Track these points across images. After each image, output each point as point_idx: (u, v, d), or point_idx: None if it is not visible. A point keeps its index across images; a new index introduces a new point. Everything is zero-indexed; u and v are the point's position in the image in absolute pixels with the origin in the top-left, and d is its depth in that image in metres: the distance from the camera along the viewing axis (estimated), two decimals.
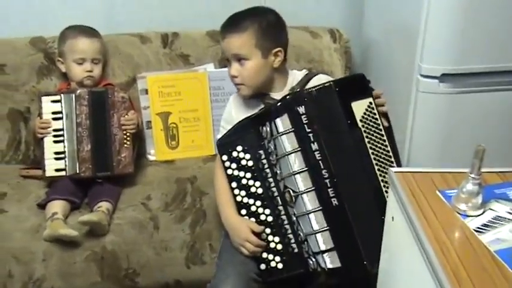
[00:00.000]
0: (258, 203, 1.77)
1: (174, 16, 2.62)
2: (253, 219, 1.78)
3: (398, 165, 1.73)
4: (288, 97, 1.72)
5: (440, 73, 2.04)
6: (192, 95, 2.47)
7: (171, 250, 2.06)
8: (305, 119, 1.65)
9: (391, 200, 1.43)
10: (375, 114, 1.69)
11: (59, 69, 2.36)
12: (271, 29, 1.86)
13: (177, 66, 2.50)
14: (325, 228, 1.67)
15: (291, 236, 1.73)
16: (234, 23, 1.86)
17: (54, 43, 2.42)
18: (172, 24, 2.59)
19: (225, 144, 1.81)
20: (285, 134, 1.69)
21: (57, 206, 2.08)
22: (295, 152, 1.68)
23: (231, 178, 1.80)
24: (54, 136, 2.21)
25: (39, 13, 2.54)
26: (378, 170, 1.67)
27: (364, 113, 1.67)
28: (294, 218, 1.72)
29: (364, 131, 1.66)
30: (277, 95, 1.88)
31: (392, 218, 1.41)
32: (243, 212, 1.79)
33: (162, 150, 2.47)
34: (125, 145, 2.23)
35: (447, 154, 2.07)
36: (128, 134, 2.24)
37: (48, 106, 2.22)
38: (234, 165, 1.79)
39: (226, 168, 1.80)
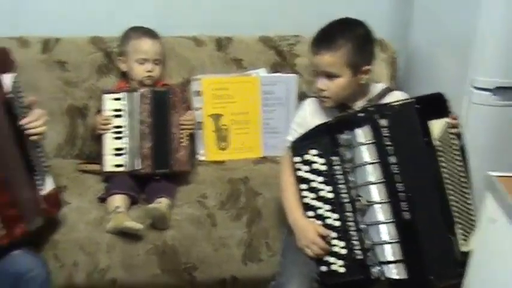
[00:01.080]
0: (327, 207, 1.83)
1: (226, 21, 2.70)
2: (319, 222, 1.84)
3: (471, 185, 1.79)
4: (370, 109, 1.77)
5: (495, 86, 2.11)
6: (244, 98, 2.55)
7: (229, 247, 2.13)
8: (386, 132, 1.71)
9: (490, 204, 1.50)
10: (450, 133, 1.74)
11: (119, 68, 2.44)
12: (363, 46, 1.89)
13: (230, 69, 2.58)
14: (396, 240, 1.73)
15: (356, 242, 1.79)
16: (328, 39, 1.87)
17: (113, 43, 2.50)
18: (225, 28, 2.66)
19: (299, 147, 1.87)
20: (365, 144, 1.75)
21: (119, 200, 2.15)
22: (374, 163, 1.74)
23: (301, 180, 1.87)
24: (115, 133, 2.28)
25: (98, 14, 2.62)
26: (450, 188, 1.72)
27: (441, 132, 1.72)
28: (362, 226, 1.78)
29: (439, 150, 1.72)
30: (356, 105, 1.94)
31: (493, 220, 1.47)
32: (310, 213, 1.86)
33: (212, 150, 2.55)
34: (183, 144, 2.30)
35: (499, 165, 2.14)
36: (185, 133, 2.31)
37: (109, 103, 2.29)
38: (306, 168, 1.85)
39: (296, 170, 1.87)
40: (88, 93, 2.47)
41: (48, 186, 1.94)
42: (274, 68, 2.59)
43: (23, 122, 1.80)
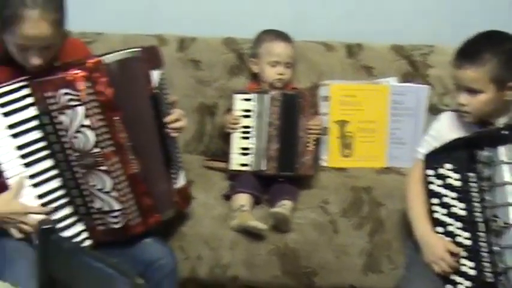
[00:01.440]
0: (458, 224, 1.77)
1: (358, 28, 2.68)
2: (448, 239, 1.79)
3: None
4: None
5: None
6: (372, 106, 2.51)
7: (350, 255, 2.11)
8: None
9: None
10: None
11: (250, 69, 2.48)
12: (510, 62, 1.80)
13: (360, 76, 2.57)
14: None
15: (487, 264, 1.72)
16: (472, 53, 1.80)
17: (246, 44, 2.55)
18: (356, 35, 2.65)
19: (433, 160, 1.82)
20: (507, 163, 1.69)
21: (244, 199, 2.19)
22: None
23: (432, 194, 1.82)
24: (243, 132, 2.32)
25: (233, 16, 2.68)
26: None
27: None
28: (496, 248, 1.71)
29: None
30: (498, 121, 1.86)
31: None
32: (439, 229, 1.81)
33: (335, 157, 2.53)
34: (308, 148, 2.31)
35: None
36: (312, 137, 2.31)
37: (239, 103, 2.34)
38: (439, 182, 1.80)
39: (428, 183, 1.82)
40: (218, 93, 2.54)
41: (181, 180, 2.01)
42: (405, 78, 2.54)
43: (167, 119, 1.89)
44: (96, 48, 2.47)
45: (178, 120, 1.95)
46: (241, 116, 2.32)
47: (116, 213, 1.79)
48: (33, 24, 1.61)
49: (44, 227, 1.32)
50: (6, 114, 1.70)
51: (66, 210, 1.79)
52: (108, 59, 1.76)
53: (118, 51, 1.80)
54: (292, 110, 2.30)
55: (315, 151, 2.34)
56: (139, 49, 1.86)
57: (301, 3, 2.70)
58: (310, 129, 2.31)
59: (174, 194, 1.95)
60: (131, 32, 2.56)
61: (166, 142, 1.91)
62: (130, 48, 1.83)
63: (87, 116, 1.71)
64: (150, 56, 1.90)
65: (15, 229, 1.70)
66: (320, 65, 2.56)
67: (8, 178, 1.71)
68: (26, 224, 1.69)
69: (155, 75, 1.87)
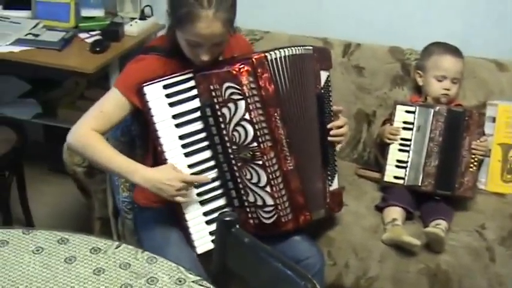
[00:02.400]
0: None
1: None
2: None
3: None
4: None
5: None
6: None
7: (506, 286, 2.00)
8: None
9: None
10: None
11: (415, 81, 2.42)
12: None
13: None
14: None
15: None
16: None
17: (411, 55, 2.49)
18: None
19: None
20: None
21: (397, 213, 2.14)
22: None
23: None
24: (401, 145, 2.27)
25: (402, 25, 2.63)
26: None
27: None
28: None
29: None
30: None
31: None
32: None
33: (495, 181, 2.41)
34: (470, 169, 2.22)
35: None
36: (475, 158, 2.22)
37: (401, 115, 2.28)
38: None
39: None
40: (378, 101, 2.50)
41: (335, 183, 2.00)
42: None
43: (331, 125, 1.91)
44: (262, 45, 2.54)
45: (341, 127, 1.95)
46: (401, 127, 2.27)
47: (268, 208, 1.81)
48: (208, 24, 1.65)
49: (226, 219, 1.35)
50: (171, 105, 1.76)
51: (221, 202, 1.83)
52: (273, 55, 1.78)
53: (284, 47, 1.81)
54: (457, 128, 2.22)
55: (476, 173, 2.24)
56: (311, 47, 1.88)
57: (473, 17, 2.58)
58: (475, 149, 2.22)
59: (327, 195, 1.94)
60: (297, 33, 2.59)
61: (325, 142, 1.91)
62: (299, 46, 1.84)
63: (248, 110, 1.74)
64: (322, 57, 1.91)
65: (174, 198, 1.74)
66: (489, 83, 2.44)
67: None
68: (180, 191, 1.73)
69: (323, 76, 1.88)
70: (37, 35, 2.64)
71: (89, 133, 1.77)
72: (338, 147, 2.03)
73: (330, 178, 1.97)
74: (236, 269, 1.31)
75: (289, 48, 1.82)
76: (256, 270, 1.24)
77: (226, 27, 1.69)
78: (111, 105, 1.80)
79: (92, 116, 1.81)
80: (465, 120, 2.22)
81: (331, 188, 1.98)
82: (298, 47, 1.85)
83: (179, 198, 1.74)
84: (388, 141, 2.28)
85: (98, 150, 1.77)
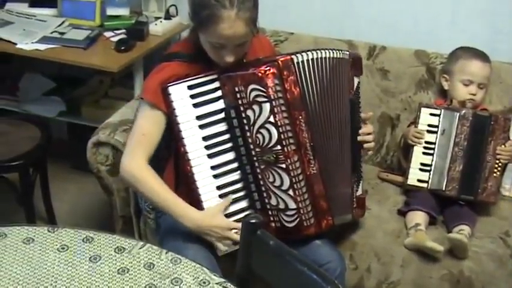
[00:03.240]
0: None
1: None
2: None
3: None
4: None
5: None
6: None
7: None
8: None
9: None
10: None
11: (440, 85, 2.40)
12: None
13: None
14: None
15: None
16: None
17: (437, 59, 2.47)
18: None
19: None
20: None
21: (420, 217, 2.12)
22: None
23: None
24: (425, 148, 2.25)
25: (427, 28, 2.60)
26: None
27: None
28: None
29: None
30: None
31: None
32: None
33: None
34: (494, 174, 2.20)
35: None
36: (500, 163, 2.20)
37: (426, 118, 2.26)
38: None
39: None
40: (403, 105, 2.48)
41: (359, 189, 1.99)
42: None
43: (362, 131, 1.91)
44: (286, 47, 2.54)
45: (370, 134, 1.94)
46: (425, 130, 2.25)
47: (290, 212, 1.80)
48: (230, 24, 1.64)
49: (251, 221, 1.34)
50: (196, 105, 1.76)
51: (242, 204, 1.83)
52: (300, 57, 1.76)
53: (311, 50, 1.79)
54: (483, 132, 2.20)
55: (499, 178, 2.22)
56: (348, 52, 1.87)
57: (499, 22, 2.55)
58: (499, 154, 2.19)
59: (353, 200, 1.93)
60: (322, 34, 2.58)
61: (354, 148, 1.90)
62: (335, 49, 1.84)
63: (273, 113, 1.72)
64: (355, 63, 1.91)
65: (218, 242, 1.77)
66: None
67: (192, 167, 1.77)
68: (227, 239, 1.76)
69: (355, 81, 1.87)
70: (63, 33, 2.66)
71: (141, 167, 1.78)
72: (369, 153, 2.01)
73: (356, 183, 1.96)
74: (260, 272, 1.31)
75: (319, 51, 1.80)
76: (281, 273, 1.23)
77: (249, 27, 1.68)
78: (149, 124, 1.80)
79: (137, 142, 1.80)
80: (490, 125, 2.20)
81: (357, 193, 1.97)
82: (334, 50, 1.83)
83: (220, 246, 1.77)
84: (412, 143, 2.26)
85: (149, 186, 1.79)
